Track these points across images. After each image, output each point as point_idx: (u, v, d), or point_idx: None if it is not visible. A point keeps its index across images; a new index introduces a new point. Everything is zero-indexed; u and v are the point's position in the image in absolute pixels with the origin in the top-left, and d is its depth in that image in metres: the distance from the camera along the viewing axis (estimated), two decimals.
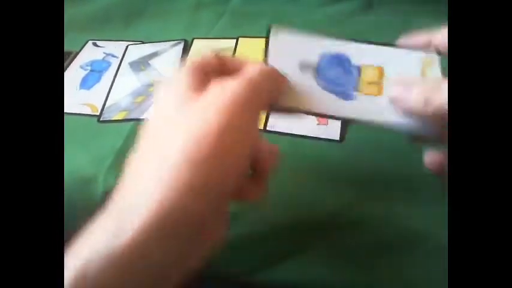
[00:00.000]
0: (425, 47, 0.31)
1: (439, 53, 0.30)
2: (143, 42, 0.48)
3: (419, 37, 0.31)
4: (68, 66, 0.46)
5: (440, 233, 0.30)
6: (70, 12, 0.46)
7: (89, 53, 0.48)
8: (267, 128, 0.38)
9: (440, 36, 0.30)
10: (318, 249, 0.31)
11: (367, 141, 0.36)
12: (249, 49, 0.46)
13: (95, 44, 0.49)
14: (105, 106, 0.41)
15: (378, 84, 0.30)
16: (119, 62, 0.46)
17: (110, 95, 0.42)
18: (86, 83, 0.44)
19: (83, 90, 0.43)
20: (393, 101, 0.29)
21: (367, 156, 0.35)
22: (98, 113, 0.41)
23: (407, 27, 0.47)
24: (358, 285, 0.31)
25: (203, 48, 0.47)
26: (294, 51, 0.29)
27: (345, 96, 0.29)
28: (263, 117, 0.39)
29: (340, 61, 0.31)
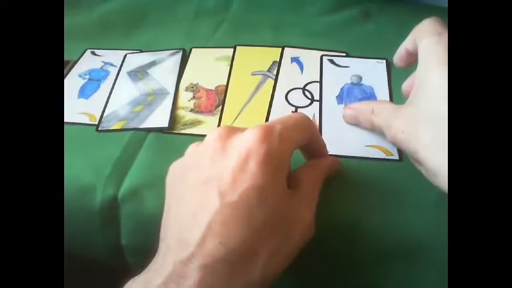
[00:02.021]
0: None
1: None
2: (141, 51, 0.48)
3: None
4: (66, 75, 0.46)
5: (438, 241, 0.30)
6: (68, 22, 0.46)
7: (88, 62, 0.48)
8: None
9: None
10: (315, 263, 0.31)
11: None
12: (247, 58, 0.46)
13: (93, 53, 0.49)
14: (104, 115, 0.41)
15: None
16: (118, 71, 0.46)
17: (108, 104, 0.42)
18: (85, 92, 0.44)
19: (81, 99, 0.43)
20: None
21: (358, 164, 0.35)
22: (96, 122, 0.40)
23: (406, 35, 0.47)
24: None
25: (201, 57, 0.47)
26: None
27: None
28: None
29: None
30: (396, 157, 0.35)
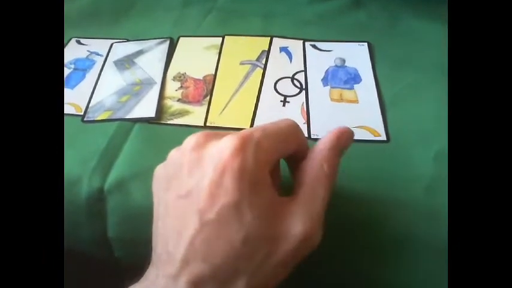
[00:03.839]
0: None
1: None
2: (128, 40, 0.47)
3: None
4: None
5: (428, 231, 0.30)
6: None
7: (73, 51, 0.47)
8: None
9: None
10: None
11: None
12: (236, 47, 0.45)
13: (78, 42, 0.48)
14: (89, 106, 0.40)
15: None
16: (104, 60, 0.45)
17: (94, 94, 0.41)
18: (70, 82, 0.43)
19: (66, 89, 0.42)
20: None
21: (350, 156, 0.34)
22: (81, 113, 0.40)
23: (396, 24, 0.47)
24: None
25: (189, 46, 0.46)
26: None
27: None
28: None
29: None
30: (384, 137, 0.36)
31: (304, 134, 0.28)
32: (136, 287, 0.24)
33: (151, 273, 0.25)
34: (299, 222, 0.24)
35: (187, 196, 0.24)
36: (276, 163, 0.27)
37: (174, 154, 0.27)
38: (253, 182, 0.23)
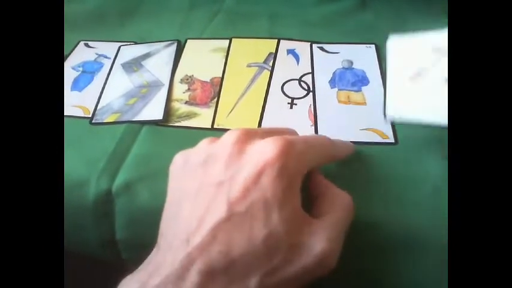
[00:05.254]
0: None
1: None
2: (136, 43, 0.48)
3: None
4: None
5: (435, 232, 0.29)
6: None
7: (81, 54, 0.47)
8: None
9: None
10: None
11: None
12: (243, 50, 0.45)
13: (86, 45, 0.48)
14: (97, 108, 0.40)
15: None
16: (111, 63, 0.45)
17: (102, 97, 0.42)
18: (78, 85, 0.43)
19: (74, 92, 0.42)
20: None
21: (358, 158, 0.34)
22: (89, 115, 0.40)
23: (403, 25, 0.47)
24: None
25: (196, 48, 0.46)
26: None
27: None
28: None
29: None
30: (392, 140, 0.35)
31: (336, 150, 0.31)
32: (136, 276, 0.24)
33: (155, 260, 0.24)
34: (321, 243, 0.24)
35: (219, 186, 0.24)
36: None
37: (205, 145, 0.27)
38: (289, 187, 0.24)
